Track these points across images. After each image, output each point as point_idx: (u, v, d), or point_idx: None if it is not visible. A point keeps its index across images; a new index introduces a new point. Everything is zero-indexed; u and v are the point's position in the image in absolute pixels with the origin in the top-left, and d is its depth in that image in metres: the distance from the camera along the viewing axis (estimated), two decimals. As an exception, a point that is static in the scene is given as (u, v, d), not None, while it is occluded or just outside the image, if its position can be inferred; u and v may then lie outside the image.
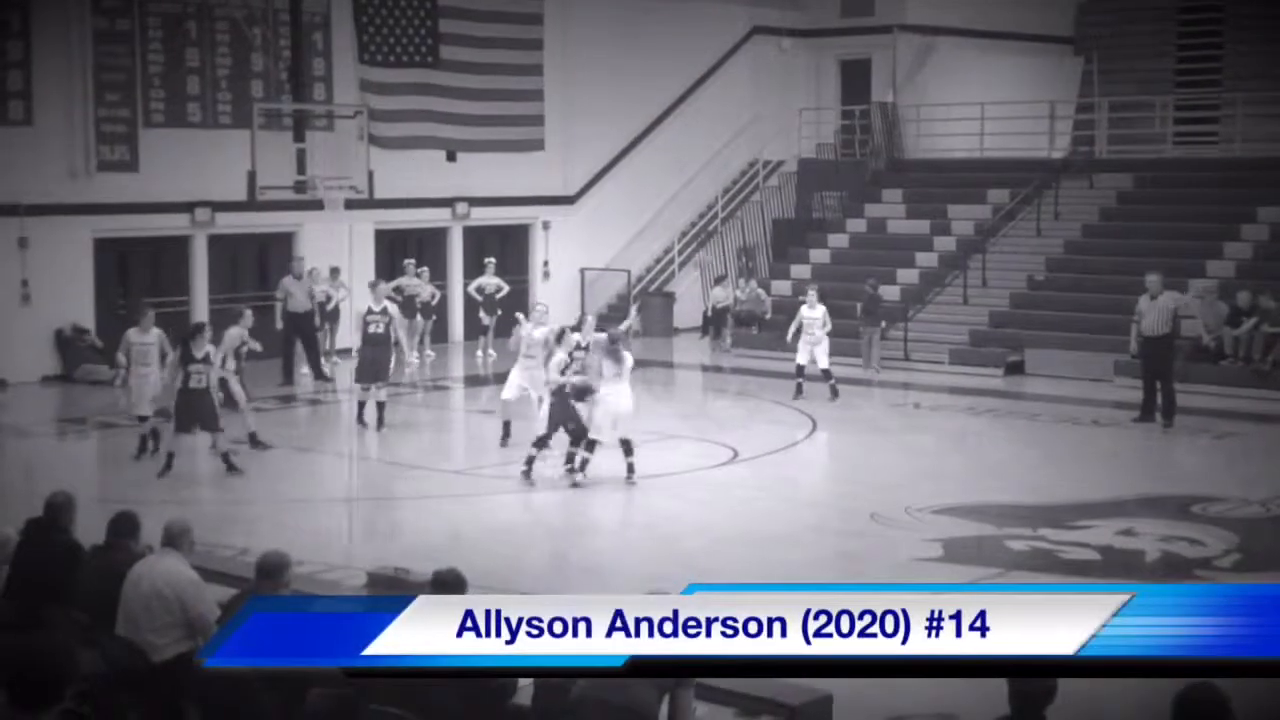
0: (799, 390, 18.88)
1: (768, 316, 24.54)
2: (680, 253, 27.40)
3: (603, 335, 14.32)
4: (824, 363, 18.78)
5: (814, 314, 18.87)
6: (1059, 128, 27.24)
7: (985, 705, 5.34)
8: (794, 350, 19.06)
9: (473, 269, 24.43)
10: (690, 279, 27.00)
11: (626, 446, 13.96)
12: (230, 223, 22.27)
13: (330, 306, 21.36)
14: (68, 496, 8.49)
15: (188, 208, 21.98)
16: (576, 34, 26.09)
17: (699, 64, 27.96)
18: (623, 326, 15.86)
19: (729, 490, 14.30)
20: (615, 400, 13.90)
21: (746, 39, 28.63)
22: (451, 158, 24.76)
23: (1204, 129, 27.23)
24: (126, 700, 6.67)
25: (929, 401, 19.50)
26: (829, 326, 18.96)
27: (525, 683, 6.57)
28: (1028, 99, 27.06)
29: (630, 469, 13.99)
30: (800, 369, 18.92)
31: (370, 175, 21.41)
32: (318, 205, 21.50)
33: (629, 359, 14.11)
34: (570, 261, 26.65)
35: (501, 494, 14.27)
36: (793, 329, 19.17)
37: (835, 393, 18.76)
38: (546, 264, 26.54)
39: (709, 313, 25.74)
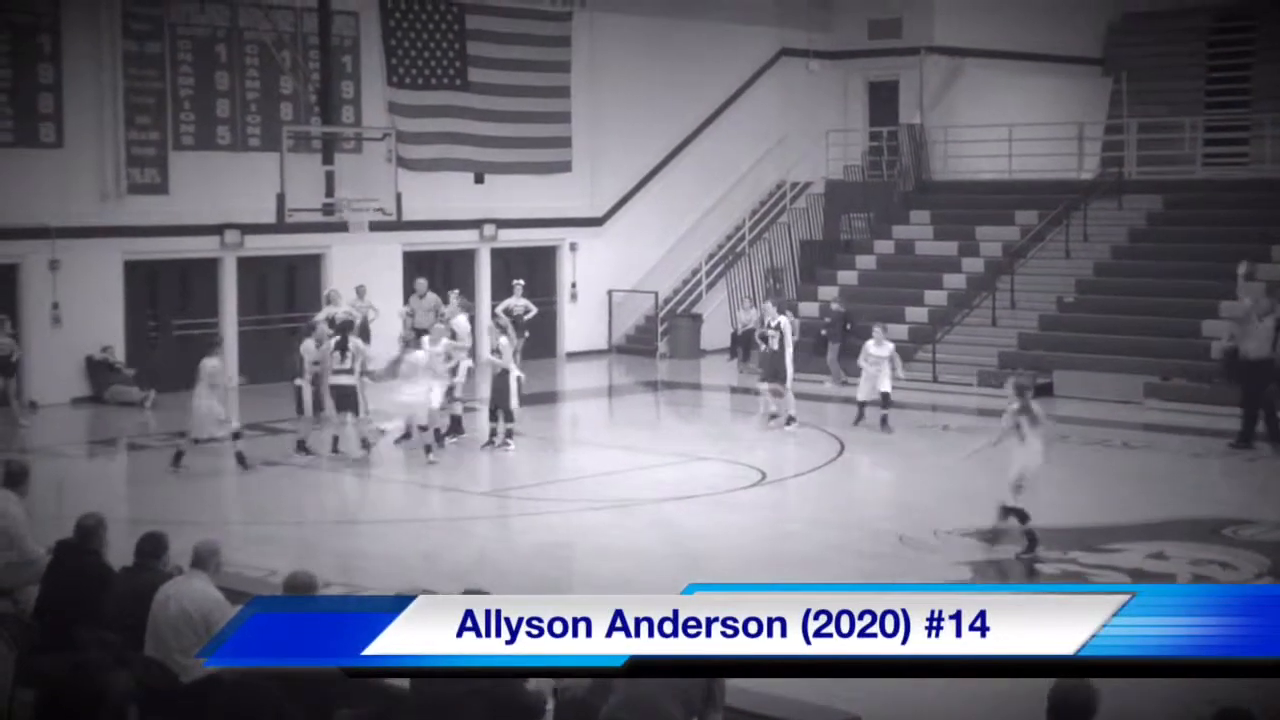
0: (861, 415, 18.48)
1: (795, 338, 24.48)
2: (708, 274, 27.41)
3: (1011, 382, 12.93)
4: (886, 386, 18.24)
5: (881, 352, 18.30)
6: (1088, 149, 27.15)
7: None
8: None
9: (500, 291, 24.51)
10: (718, 301, 27.01)
11: (1020, 516, 12.35)
12: (259, 245, 22.38)
13: (357, 325, 21.43)
14: (98, 518, 8.54)
15: (217, 230, 22.11)
16: (604, 56, 26.19)
17: (727, 86, 28.03)
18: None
19: (756, 512, 14.27)
20: (1032, 458, 12.35)
21: (774, 61, 28.69)
22: (479, 180, 24.87)
23: (1234, 149, 27.11)
24: None
25: (957, 423, 19.40)
26: (900, 369, 18.53)
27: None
28: (1056, 120, 27.01)
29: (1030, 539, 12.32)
30: (863, 404, 18.47)
31: (398, 197, 21.54)
32: (346, 227, 21.68)
33: (1043, 415, 12.52)
34: (598, 283, 26.70)
35: (527, 516, 14.27)
36: (863, 363, 18.57)
37: (885, 422, 18.24)
38: (574, 286, 26.60)
39: (736, 334, 25.74)
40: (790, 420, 18.31)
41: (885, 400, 18.41)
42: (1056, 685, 5.11)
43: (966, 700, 8.98)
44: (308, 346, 16.30)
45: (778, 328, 18.67)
